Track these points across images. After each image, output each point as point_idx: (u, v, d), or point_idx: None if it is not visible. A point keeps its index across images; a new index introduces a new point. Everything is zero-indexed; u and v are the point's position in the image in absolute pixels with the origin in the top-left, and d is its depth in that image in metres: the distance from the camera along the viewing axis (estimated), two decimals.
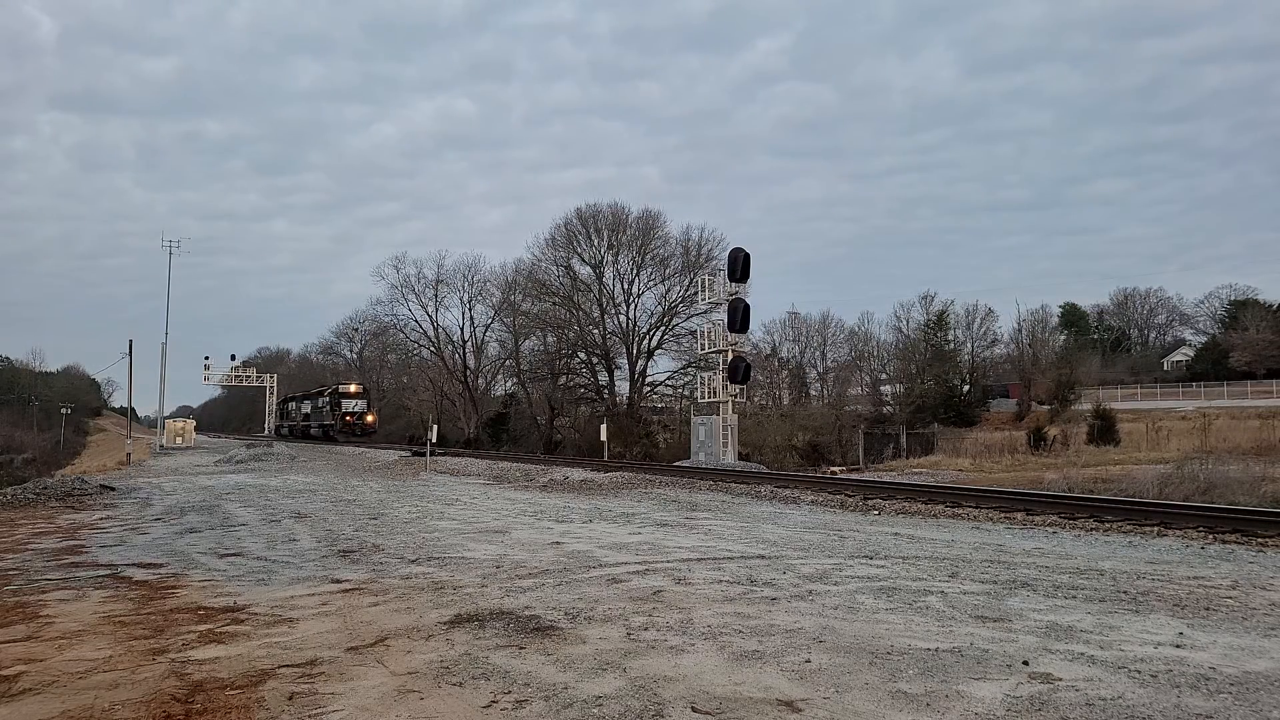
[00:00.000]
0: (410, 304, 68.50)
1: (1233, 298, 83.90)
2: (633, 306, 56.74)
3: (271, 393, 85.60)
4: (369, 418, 62.22)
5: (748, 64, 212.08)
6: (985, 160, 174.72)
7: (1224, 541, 11.48)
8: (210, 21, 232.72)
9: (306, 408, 71.82)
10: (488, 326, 67.33)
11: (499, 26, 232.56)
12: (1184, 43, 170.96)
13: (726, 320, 34.45)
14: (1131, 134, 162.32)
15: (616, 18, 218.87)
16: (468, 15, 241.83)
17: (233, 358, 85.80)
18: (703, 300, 39.31)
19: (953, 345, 63.32)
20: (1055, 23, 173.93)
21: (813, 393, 62.38)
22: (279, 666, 5.47)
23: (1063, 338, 74.94)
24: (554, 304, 57.67)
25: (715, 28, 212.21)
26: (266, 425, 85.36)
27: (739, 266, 34.20)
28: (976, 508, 15.52)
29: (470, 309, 67.79)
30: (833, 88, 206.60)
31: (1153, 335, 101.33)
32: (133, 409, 71.72)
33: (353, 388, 64.45)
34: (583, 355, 57.88)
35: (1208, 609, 7.07)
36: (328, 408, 63.48)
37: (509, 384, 66.75)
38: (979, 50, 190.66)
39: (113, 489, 21.03)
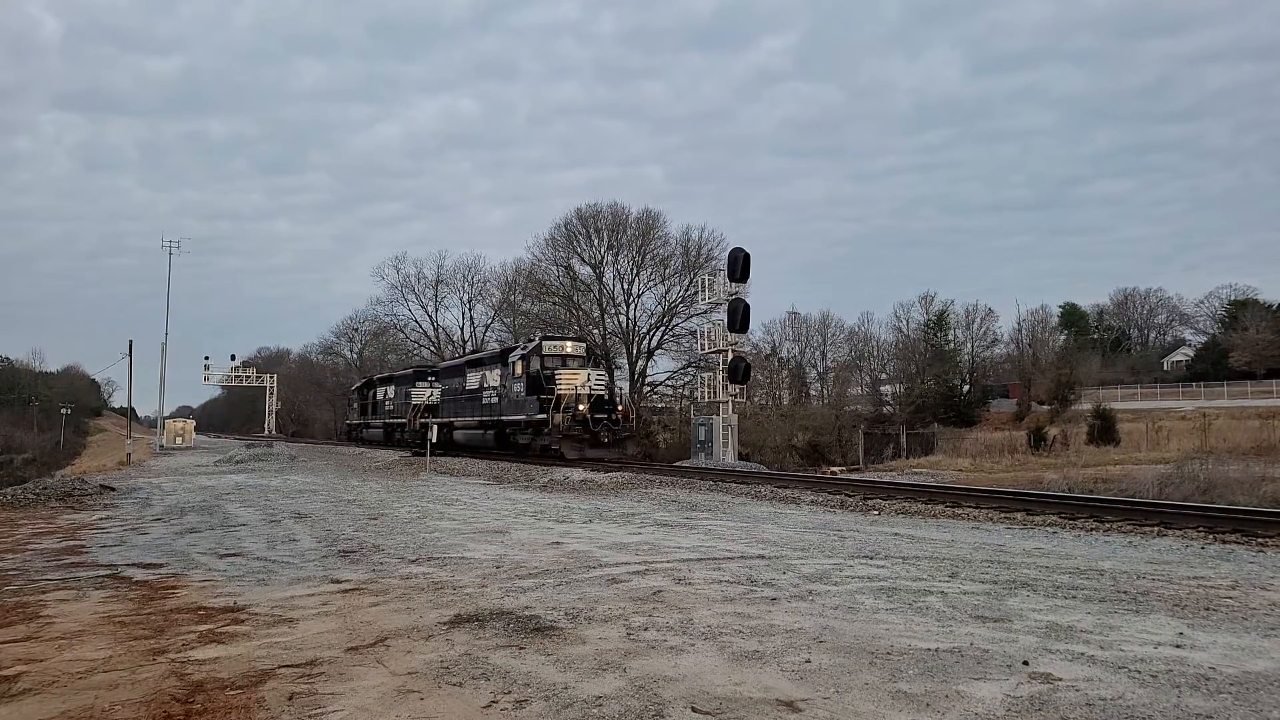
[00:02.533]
0: (410, 304, 68.70)
1: (1233, 298, 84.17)
2: (633, 306, 56.86)
3: (271, 393, 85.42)
4: (621, 408, 31.81)
5: (752, 63, 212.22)
6: (989, 160, 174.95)
7: (1224, 541, 11.47)
8: (215, 21, 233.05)
9: (430, 394, 41.79)
10: (488, 327, 67.50)
11: (503, 26, 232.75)
12: (1189, 43, 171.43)
13: (726, 320, 34.47)
14: (1135, 134, 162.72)
15: (621, 17, 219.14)
16: (472, 15, 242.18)
17: (233, 358, 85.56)
18: (703, 300, 39.34)
19: (953, 345, 63.51)
20: (1060, 22, 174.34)
21: (813, 393, 62.47)
22: (279, 667, 5.47)
23: (1063, 338, 75.09)
24: (554, 304, 57.74)
25: (720, 27, 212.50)
26: (266, 425, 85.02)
27: (739, 266, 34.24)
28: (976, 508, 15.50)
29: (470, 309, 67.94)
30: (837, 87, 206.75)
31: (1153, 335, 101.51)
32: (133, 409, 71.63)
33: (568, 346, 32.24)
34: None
35: (1208, 609, 7.07)
36: (522, 391, 31.15)
37: None
38: (984, 50, 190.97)
39: (113, 489, 21.03)
